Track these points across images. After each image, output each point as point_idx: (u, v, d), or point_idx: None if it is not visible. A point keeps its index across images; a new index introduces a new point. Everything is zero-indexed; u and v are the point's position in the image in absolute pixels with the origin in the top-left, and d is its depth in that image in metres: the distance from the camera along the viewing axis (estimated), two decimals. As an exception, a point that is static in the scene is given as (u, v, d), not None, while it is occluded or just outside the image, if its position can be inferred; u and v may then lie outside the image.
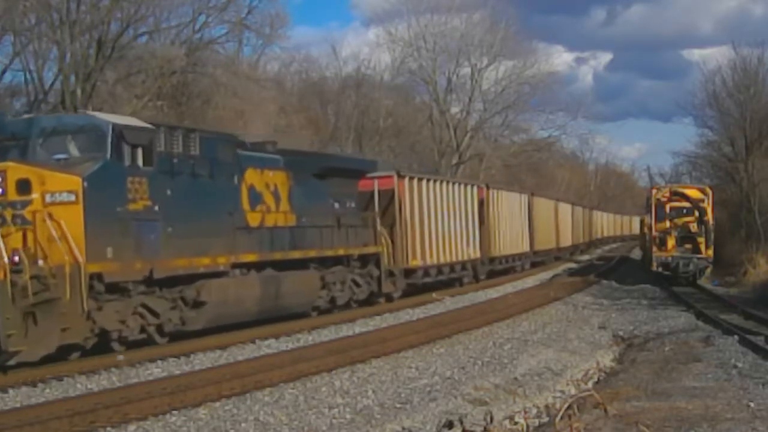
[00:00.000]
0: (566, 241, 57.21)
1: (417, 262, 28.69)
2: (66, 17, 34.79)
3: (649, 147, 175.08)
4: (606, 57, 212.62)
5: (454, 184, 33.36)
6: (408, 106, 61.65)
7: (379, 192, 27.09)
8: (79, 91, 34.65)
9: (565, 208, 57.57)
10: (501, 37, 62.54)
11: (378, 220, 26.39)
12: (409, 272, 28.28)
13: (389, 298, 27.00)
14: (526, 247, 43.58)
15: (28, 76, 37.19)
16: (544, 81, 64.77)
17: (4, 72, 36.84)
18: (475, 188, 35.56)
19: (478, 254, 34.89)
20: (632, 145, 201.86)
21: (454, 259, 31.95)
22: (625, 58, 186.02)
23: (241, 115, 41.02)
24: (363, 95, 56.71)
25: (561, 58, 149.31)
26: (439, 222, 30.67)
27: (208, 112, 39.79)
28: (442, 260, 30.81)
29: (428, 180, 30.74)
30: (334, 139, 55.60)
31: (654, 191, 36.73)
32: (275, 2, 57.24)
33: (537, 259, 46.74)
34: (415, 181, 29.40)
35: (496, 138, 66.65)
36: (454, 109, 64.20)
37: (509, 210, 40.78)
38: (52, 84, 37.05)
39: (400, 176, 28.31)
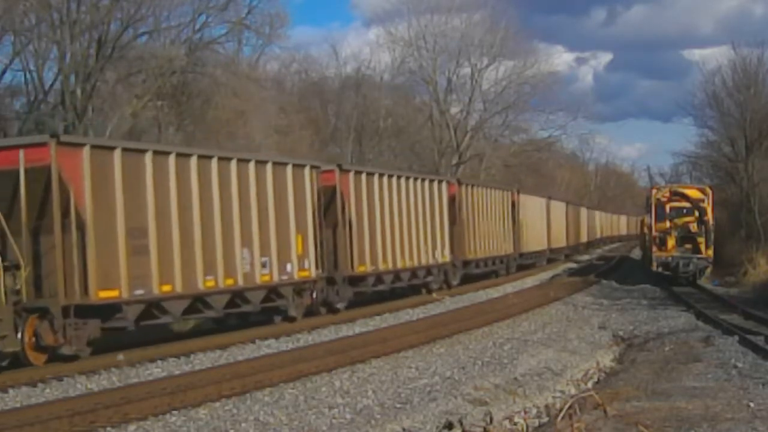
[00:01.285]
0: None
1: (114, 294, 16.65)
2: (66, 17, 34.78)
3: (649, 147, 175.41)
4: (606, 57, 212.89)
5: (243, 162, 20.47)
6: (408, 106, 61.65)
7: (27, 172, 16.09)
8: (79, 91, 34.65)
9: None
10: (501, 37, 62.58)
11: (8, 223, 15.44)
12: (93, 311, 16.39)
13: (21, 359, 15.44)
14: (429, 259, 29.83)
15: (28, 76, 37.23)
16: (544, 81, 64.83)
17: (4, 72, 36.85)
18: (308, 171, 22.61)
19: (295, 274, 21.92)
20: (632, 145, 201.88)
21: (222, 284, 19.26)
22: (625, 58, 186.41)
23: (241, 115, 41.04)
24: (363, 95, 56.71)
25: (561, 58, 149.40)
26: (196, 222, 18.62)
27: (208, 112, 39.81)
28: (181, 289, 18.07)
29: (151, 153, 17.86)
30: (334, 140, 55.64)
31: (654, 191, 36.71)
32: (275, 2, 57.35)
33: (469, 271, 34.64)
34: (115, 155, 16.95)
35: (496, 138, 66.68)
36: (454, 109, 64.27)
37: (395, 204, 27.45)
38: (52, 84, 37.06)
39: (65, 144, 16.35)
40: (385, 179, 27.19)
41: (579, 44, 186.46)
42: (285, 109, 47.91)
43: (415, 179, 29.76)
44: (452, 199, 32.77)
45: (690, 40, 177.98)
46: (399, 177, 28.57)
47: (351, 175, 25.23)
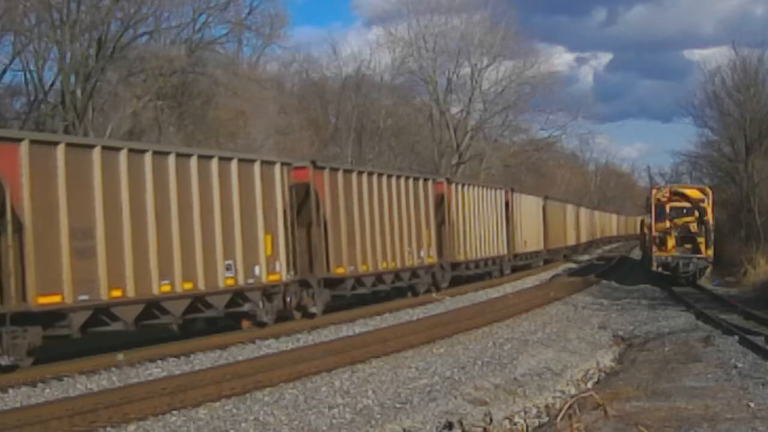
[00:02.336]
0: (487, 250, 35.77)
1: None
2: (66, 17, 34.82)
3: (649, 147, 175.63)
4: (606, 57, 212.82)
5: (204, 159, 18.89)
6: (408, 106, 61.69)
7: None
8: (79, 91, 34.68)
9: (481, 199, 35.90)
10: (501, 37, 62.64)
11: None
12: None
13: None
14: (415, 261, 27.38)
15: (28, 76, 37.32)
16: (545, 81, 64.90)
17: (4, 72, 36.91)
18: (279, 168, 21.17)
19: (264, 278, 20.36)
20: (632, 145, 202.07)
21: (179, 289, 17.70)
22: (625, 58, 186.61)
23: (241, 115, 41.11)
24: (363, 95, 56.71)
25: (561, 59, 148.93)
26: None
27: (208, 112, 39.85)
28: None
29: None
30: (334, 140, 55.66)
31: (654, 191, 36.71)
32: (275, 2, 57.46)
33: (459, 273, 31.87)
34: None
35: (496, 138, 66.73)
36: (454, 109, 64.34)
37: (376, 204, 25.54)
38: (52, 84, 37.13)
39: None
40: (364, 177, 25.33)
41: (579, 44, 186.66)
42: (285, 109, 47.95)
43: (398, 177, 27.83)
44: (440, 198, 30.93)
45: (690, 40, 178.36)
46: (380, 175, 26.60)
47: (326, 172, 23.39)
